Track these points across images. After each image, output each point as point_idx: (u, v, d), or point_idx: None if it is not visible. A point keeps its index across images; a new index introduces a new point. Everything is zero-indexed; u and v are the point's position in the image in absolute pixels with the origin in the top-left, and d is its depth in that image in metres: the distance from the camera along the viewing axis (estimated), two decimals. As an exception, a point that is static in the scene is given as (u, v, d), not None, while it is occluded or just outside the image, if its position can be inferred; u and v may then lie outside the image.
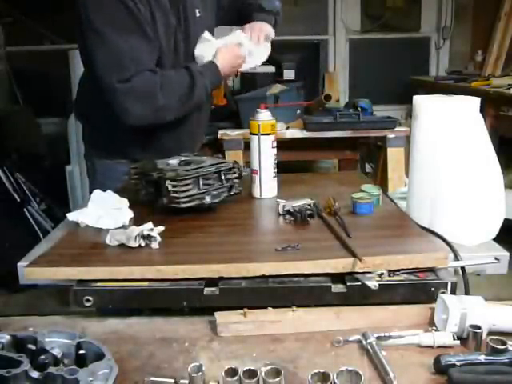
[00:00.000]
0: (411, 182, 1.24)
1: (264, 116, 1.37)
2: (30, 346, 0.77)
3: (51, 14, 3.94)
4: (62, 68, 3.51)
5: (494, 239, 1.16)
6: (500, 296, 1.02)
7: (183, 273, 0.96)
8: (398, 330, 0.86)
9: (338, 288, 0.96)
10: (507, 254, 1.09)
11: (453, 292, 0.95)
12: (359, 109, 2.65)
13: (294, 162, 2.72)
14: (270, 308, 0.92)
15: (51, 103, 4.01)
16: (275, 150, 1.40)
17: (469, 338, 0.82)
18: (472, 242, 1.12)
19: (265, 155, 1.38)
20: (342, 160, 3.31)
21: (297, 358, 0.82)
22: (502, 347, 0.76)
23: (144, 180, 1.30)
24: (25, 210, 3.23)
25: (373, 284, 0.93)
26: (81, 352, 0.77)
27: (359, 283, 0.95)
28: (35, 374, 0.70)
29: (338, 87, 4.05)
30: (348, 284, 0.95)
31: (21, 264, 1.05)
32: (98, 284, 0.97)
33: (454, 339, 0.83)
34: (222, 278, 0.97)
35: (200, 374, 0.72)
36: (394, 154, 2.59)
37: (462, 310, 0.84)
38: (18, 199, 3.24)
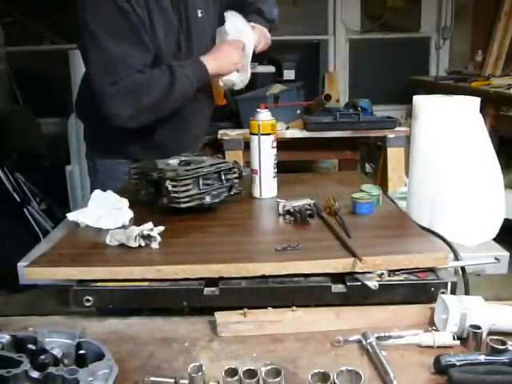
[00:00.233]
0: (411, 182, 1.24)
1: (264, 116, 1.37)
2: (30, 346, 0.77)
3: (51, 13, 3.94)
4: (62, 68, 3.51)
5: (494, 239, 1.16)
6: (500, 296, 1.02)
7: (183, 273, 0.96)
8: (398, 330, 0.86)
9: (338, 288, 0.96)
10: (507, 253, 1.09)
11: (453, 292, 0.95)
12: (359, 109, 2.66)
13: (294, 162, 2.72)
14: (269, 308, 0.92)
15: (51, 103, 4.01)
16: (275, 149, 1.40)
17: (469, 337, 0.82)
18: (472, 242, 1.12)
19: (265, 155, 1.38)
20: (342, 160, 3.31)
21: (297, 358, 0.82)
22: (502, 347, 0.76)
23: (144, 180, 1.30)
24: (25, 210, 3.23)
25: (373, 284, 0.93)
26: (81, 352, 0.77)
27: (359, 283, 0.95)
28: (35, 374, 0.70)
29: (338, 87, 4.06)
30: (348, 284, 0.95)
31: (21, 264, 1.05)
32: (98, 284, 0.97)
33: (454, 339, 0.83)
34: (221, 278, 0.97)
35: (200, 374, 0.72)
36: (394, 154, 2.59)
37: (462, 310, 0.84)
38: (18, 199, 3.24)
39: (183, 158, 1.34)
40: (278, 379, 0.71)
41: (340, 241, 1.06)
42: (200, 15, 1.60)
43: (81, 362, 0.76)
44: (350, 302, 0.94)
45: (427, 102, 1.17)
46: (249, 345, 0.86)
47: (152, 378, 0.74)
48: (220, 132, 2.60)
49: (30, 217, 3.23)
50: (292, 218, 1.20)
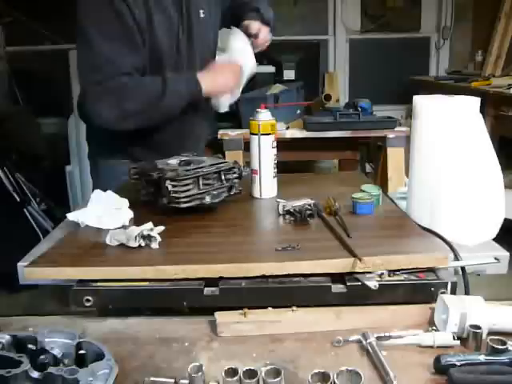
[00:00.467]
0: (411, 182, 1.24)
1: (264, 116, 1.37)
2: (30, 346, 0.77)
3: (51, 14, 3.94)
4: (62, 68, 3.52)
5: (494, 239, 1.16)
6: (500, 296, 1.01)
7: (183, 273, 0.96)
8: (398, 330, 0.86)
9: (338, 288, 0.96)
10: (507, 253, 1.09)
11: (453, 292, 0.95)
12: (359, 109, 2.65)
13: (294, 162, 2.73)
14: (270, 308, 0.92)
15: (51, 103, 4.01)
16: (275, 149, 1.40)
17: (469, 338, 0.82)
18: (472, 242, 1.12)
19: (265, 155, 1.38)
20: (342, 160, 3.31)
21: (297, 358, 0.82)
22: (502, 347, 0.76)
23: (144, 180, 1.30)
24: (25, 210, 3.23)
25: (373, 284, 0.93)
26: (81, 352, 0.77)
27: (359, 283, 0.95)
28: (35, 374, 0.70)
29: (338, 87, 4.06)
30: (348, 284, 0.95)
31: (21, 264, 1.05)
32: (98, 284, 0.97)
33: (454, 339, 0.83)
34: (221, 278, 0.97)
35: (200, 374, 0.72)
36: (394, 154, 2.59)
37: (462, 310, 0.84)
38: (18, 199, 3.24)
39: (183, 158, 1.34)
40: (277, 379, 0.71)
41: (340, 241, 1.06)
42: (202, 15, 1.60)
43: (81, 361, 0.76)
44: (350, 302, 0.94)
45: (427, 101, 1.17)
46: (249, 345, 0.86)
47: (152, 378, 0.74)
48: (220, 132, 2.60)
49: (29, 217, 3.23)
50: (292, 218, 1.20)
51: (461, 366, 0.74)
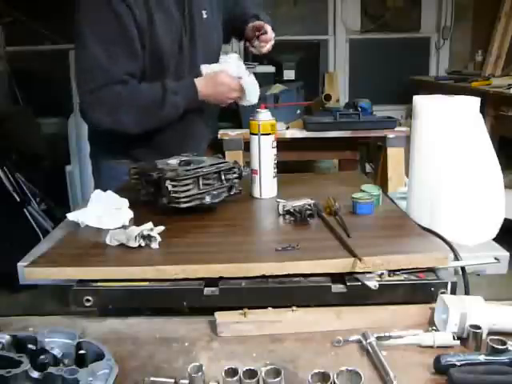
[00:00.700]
0: (411, 182, 1.24)
1: (264, 116, 1.37)
2: (30, 346, 0.77)
3: (51, 14, 3.94)
4: (62, 68, 3.52)
5: (494, 239, 1.16)
6: (500, 296, 1.01)
7: (183, 273, 0.96)
8: (398, 330, 0.86)
9: (338, 288, 0.96)
10: (507, 253, 1.09)
11: (453, 292, 0.95)
12: (359, 109, 2.65)
13: (294, 162, 2.73)
14: (270, 308, 0.92)
15: (51, 103, 4.01)
16: (275, 149, 1.40)
17: (469, 338, 0.82)
18: (472, 242, 1.12)
19: (265, 155, 1.38)
20: (342, 160, 3.31)
21: (297, 358, 0.82)
22: (502, 347, 0.76)
23: (144, 180, 1.30)
24: (25, 210, 3.23)
25: (373, 284, 0.93)
26: (81, 352, 0.77)
27: (359, 283, 0.95)
28: (35, 374, 0.70)
29: (338, 87, 4.06)
30: (348, 284, 0.95)
31: (21, 264, 1.05)
32: (98, 284, 0.97)
33: (454, 339, 0.83)
34: (221, 278, 0.97)
35: (200, 374, 0.72)
36: (394, 154, 2.59)
37: (462, 310, 0.84)
38: (18, 199, 3.24)
39: (183, 158, 1.34)
40: (277, 379, 0.71)
41: (340, 241, 1.06)
42: (205, 16, 1.60)
43: (81, 361, 0.76)
44: (350, 302, 0.94)
45: (427, 101, 1.17)
46: (249, 345, 0.86)
47: (152, 378, 0.74)
48: (220, 132, 2.60)
49: (29, 217, 3.23)
50: (292, 218, 1.20)
51: (461, 365, 0.74)
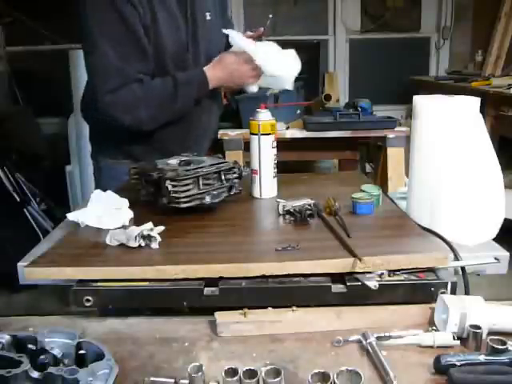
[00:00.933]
0: (411, 182, 1.24)
1: (264, 116, 1.37)
2: (30, 346, 0.77)
3: (51, 13, 3.94)
4: (62, 68, 3.52)
5: (494, 239, 1.16)
6: (500, 296, 1.02)
7: (183, 273, 0.96)
8: (398, 330, 0.86)
9: (338, 288, 0.96)
10: (507, 253, 1.09)
11: (453, 292, 0.95)
12: (359, 109, 2.66)
13: (294, 162, 2.73)
14: (270, 308, 0.92)
15: (51, 103, 4.01)
16: (275, 149, 1.40)
17: (469, 338, 0.82)
18: (472, 242, 1.12)
19: (265, 155, 1.38)
20: (342, 160, 3.31)
21: (297, 358, 0.82)
22: (502, 347, 0.76)
23: (144, 180, 1.30)
24: (25, 210, 3.23)
25: (373, 284, 0.93)
26: (81, 352, 0.77)
27: (359, 283, 0.95)
28: (35, 374, 0.70)
29: (338, 87, 4.05)
30: (348, 284, 0.95)
31: (21, 264, 1.05)
32: (98, 284, 0.97)
33: (454, 339, 0.83)
34: (221, 278, 0.97)
35: (200, 374, 0.72)
36: (394, 154, 2.59)
37: (462, 310, 0.84)
38: (18, 199, 3.24)
39: (183, 158, 1.34)
40: (277, 379, 0.71)
41: (340, 241, 1.06)
42: (208, 18, 1.60)
43: (81, 361, 0.76)
44: (350, 302, 0.94)
45: (427, 101, 1.17)
46: (249, 345, 0.86)
47: (152, 378, 0.74)
48: (220, 132, 2.60)
49: (29, 217, 3.23)
50: (292, 218, 1.20)
51: (461, 366, 0.74)
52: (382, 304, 0.93)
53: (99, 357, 0.75)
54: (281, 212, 1.23)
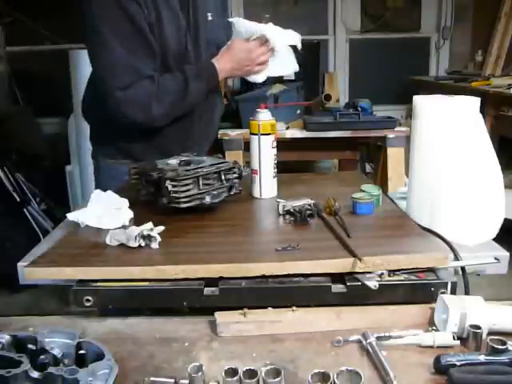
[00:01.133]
0: (411, 182, 1.24)
1: (264, 116, 1.37)
2: (30, 345, 0.77)
3: (51, 13, 3.94)
4: (62, 68, 3.52)
5: (494, 239, 1.16)
6: (500, 296, 1.02)
7: (183, 273, 0.96)
8: (398, 330, 0.86)
9: (338, 288, 0.96)
10: (507, 253, 1.09)
11: (453, 292, 0.95)
12: (359, 109, 2.65)
13: (294, 162, 2.73)
14: (270, 308, 0.92)
15: (51, 103, 4.01)
16: (275, 149, 1.40)
17: (469, 338, 0.82)
18: (472, 242, 1.12)
19: (265, 155, 1.38)
20: (342, 160, 3.31)
21: (297, 358, 0.82)
22: (502, 347, 0.76)
23: (144, 180, 1.30)
24: (25, 210, 3.23)
25: (373, 284, 0.93)
26: (81, 352, 0.77)
27: (359, 283, 0.95)
28: (35, 374, 0.70)
29: (338, 87, 4.05)
30: (348, 284, 0.95)
31: (21, 264, 1.05)
32: (98, 284, 0.97)
33: (454, 339, 0.83)
34: (221, 278, 0.97)
35: (200, 374, 0.72)
36: (394, 154, 2.59)
37: (462, 310, 0.84)
38: (18, 199, 3.24)
39: (183, 158, 1.34)
40: (277, 379, 0.71)
41: (340, 241, 1.06)
42: (210, 18, 1.60)
43: (81, 361, 0.76)
44: (350, 302, 0.94)
45: (427, 101, 1.17)
46: (249, 345, 0.86)
47: (152, 378, 0.74)
48: (220, 132, 2.60)
49: (29, 217, 3.23)
50: (292, 218, 1.20)
51: (461, 366, 0.74)
52: (381, 304, 0.93)
53: (99, 357, 0.75)
54: (281, 212, 1.23)
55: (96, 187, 1.52)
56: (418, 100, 1.18)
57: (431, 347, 0.82)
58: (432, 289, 0.95)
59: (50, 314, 0.98)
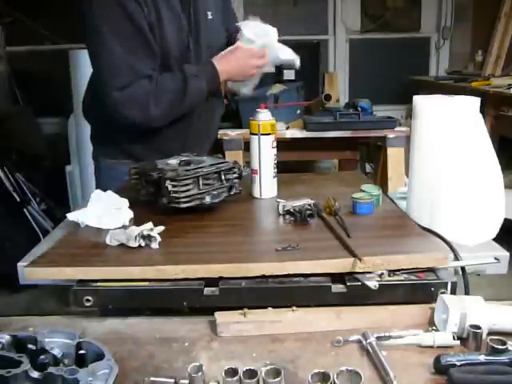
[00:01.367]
0: (411, 182, 1.24)
1: (264, 116, 1.37)
2: (30, 345, 0.77)
3: (51, 13, 3.94)
4: (62, 68, 3.52)
5: (494, 239, 1.16)
6: (500, 296, 1.02)
7: (183, 273, 0.96)
8: (398, 330, 0.86)
9: (338, 288, 0.96)
10: (507, 253, 1.09)
11: (453, 292, 0.95)
12: (359, 109, 2.65)
13: (294, 162, 2.73)
14: (270, 308, 0.92)
15: (51, 103, 4.01)
16: (275, 149, 1.40)
17: (469, 338, 0.82)
18: (472, 242, 1.12)
19: (265, 155, 1.38)
20: (342, 160, 3.31)
21: (297, 358, 0.82)
22: (502, 347, 0.76)
23: (144, 180, 1.30)
24: (25, 210, 3.23)
25: (373, 284, 0.93)
26: (81, 352, 0.77)
27: (359, 283, 0.95)
28: (35, 374, 0.70)
29: (338, 87, 4.05)
30: (348, 284, 0.95)
31: (21, 264, 1.05)
32: (98, 284, 0.97)
33: (454, 339, 0.83)
34: (221, 278, 0.97)
35: (200, 374, 0.72)
36: (394, 154, 2.59)
37: (462, 310, 0.84)
38: (18, 199, 3.24)
39: (183, 158, 1.34)
40: (277, 379, 0.71)
41: (340, 241, 1.06)
42: (210, 17, 1.60)
43: (81, 362, 0.76)
44: (350, 302, 0.94)
45: (427, 101, 1.17)
46: (249, 345, 0.86)
47: (152, 378, 0.74)
48: (220, 132, 2.60)
49: (29, 217, 3.23)
50: (292, 218, 1.20)
51: (461, 366, 0.74)
52: (382, 304, 0.93)
53: (99, 357, 0.75)
54: (281, 212, 1.23)
55: (96, 187, 1.52)
56: (418, 100, 1.18)
57: (431, 347, 0.83)
58: (432, 289, 0.95)
59: (49, 314, 0.98)
